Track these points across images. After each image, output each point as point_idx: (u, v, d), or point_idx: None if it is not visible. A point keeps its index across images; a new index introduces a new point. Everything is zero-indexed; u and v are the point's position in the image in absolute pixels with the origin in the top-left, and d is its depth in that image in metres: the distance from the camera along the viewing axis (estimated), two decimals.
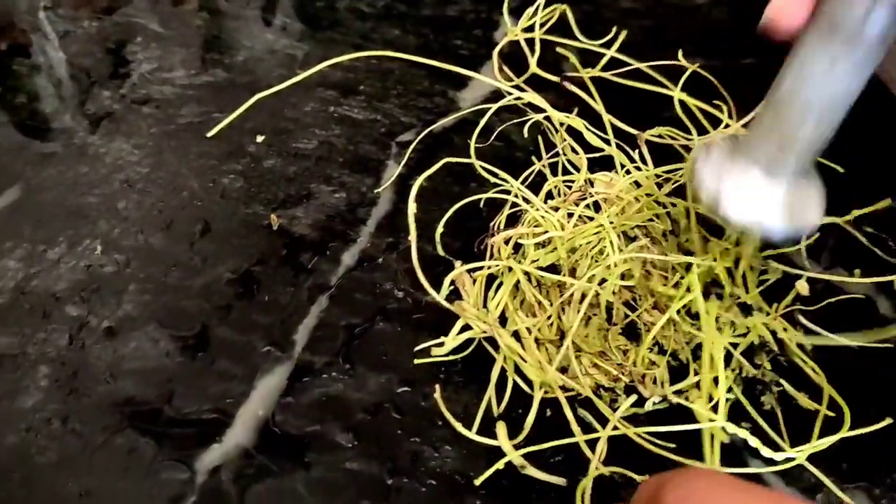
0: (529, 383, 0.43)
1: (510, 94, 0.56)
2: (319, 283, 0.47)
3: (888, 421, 0.41)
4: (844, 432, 0.40)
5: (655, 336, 0.44)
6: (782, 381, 0.43)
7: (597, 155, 0.52)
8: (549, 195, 0.51)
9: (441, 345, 0.44)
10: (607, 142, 0.53)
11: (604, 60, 0.58)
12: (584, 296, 0.45)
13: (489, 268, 0.47)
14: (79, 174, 0.52)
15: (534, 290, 0.45)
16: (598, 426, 0.41)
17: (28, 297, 0.46)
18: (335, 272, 0.48)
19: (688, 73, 0.56)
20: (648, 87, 0.56)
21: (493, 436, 0.41)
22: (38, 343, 0.44)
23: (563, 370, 0.43)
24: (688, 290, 0.44)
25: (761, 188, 0.39)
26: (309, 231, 0.49)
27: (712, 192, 0.39)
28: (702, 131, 0.54)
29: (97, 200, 0.50)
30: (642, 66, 0.57)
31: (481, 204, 0.50)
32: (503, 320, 0.45)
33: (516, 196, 0.50)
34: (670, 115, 0.55)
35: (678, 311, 0.44)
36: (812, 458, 0.40)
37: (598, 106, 0.54)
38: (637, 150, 0.52)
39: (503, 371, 0.43)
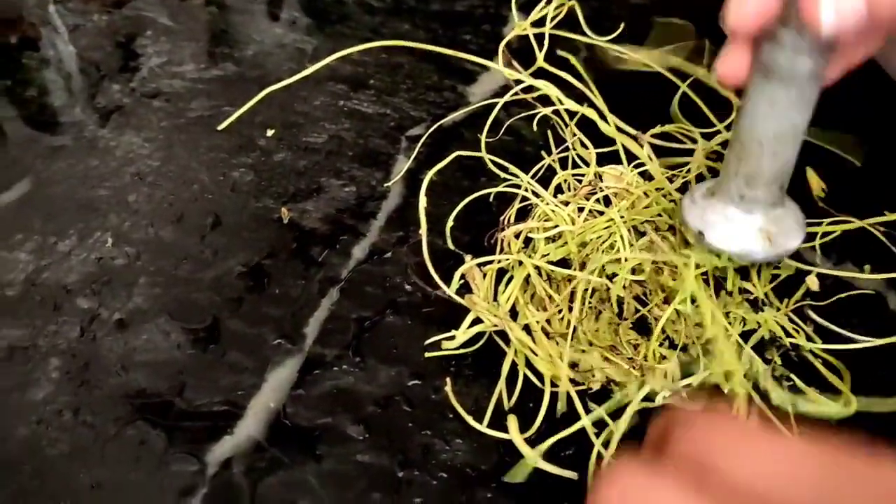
0: (540, 377, 0.43)
1: (521, 81, 0.56)
2: (330, 276, 0.47)
3: None
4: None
5: (666, 331, 0.44)
6: (793, 377, 0.43)
7: (606, 150, 0.52)
8: (559, 189, 0.51)
9: (452, 338, 0.44)
10: (620, 130, 0.53)
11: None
12: (594, 290, 0.45)
13: (499, 262, 0.47)
14: (89, 167, 0.52)
15: (544, 283, 0.45)
16: (608, 420, 0.41)
17: (39, 289, 0.46)
18: (345, 265, 0.48)
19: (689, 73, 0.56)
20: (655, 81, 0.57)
21: (504, 429, 0.41)
22: (49, 335, 0.44)
23: (574, 365, 0.43)
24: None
25: (739, 221, 0.43)
26: (319, 224, 0.50)
27: (697, 230, 0.44)
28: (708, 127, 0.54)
29: (108, 193, 0.51)
30: (647, 59, 0.57)
31: (491, 198, 0.50)
32: (514, 314, 0.45)
33: (526, 190, 0.50)
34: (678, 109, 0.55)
35: (688, 306, 0.44)
36: None
37: (598, 101, 0.54)
38: (645, 146, 0.52)
39: (514, 365, 0.43)
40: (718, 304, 0.45)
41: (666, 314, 0.44)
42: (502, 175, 0.51)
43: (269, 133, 0.54)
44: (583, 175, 0.51)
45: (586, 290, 0.45)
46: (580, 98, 0.55)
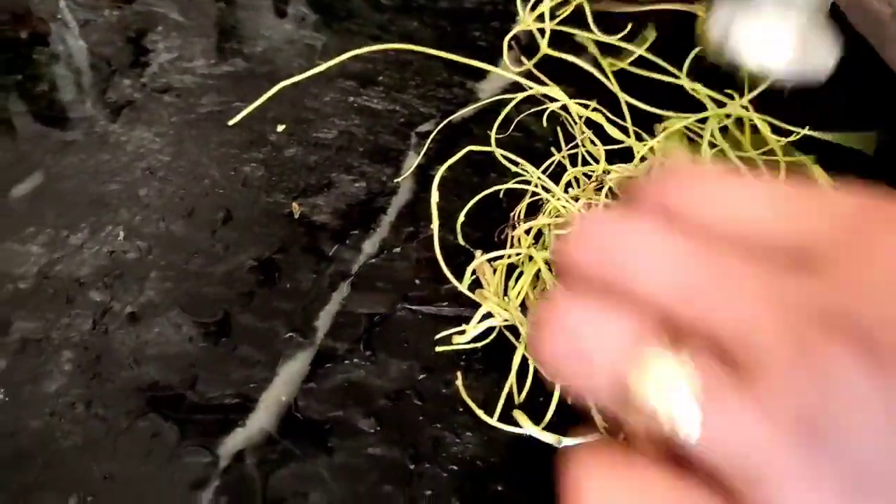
0: None
1: (531, 87, 0.56)
2: (341, 270, 0.47)
3: None
4: None
5: None
6: None
7: (616, 147, 0.53)
8: (569, 185, 0.51)
9: (462, 332, 0.44)
10: (625, 131, 0.53)
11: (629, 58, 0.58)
12: None
13: (509, 257, 0.47)
14: (100, 162, 0.52)
15: (554, 278, 0.45)
16: None
17: (51, 282, 0.46)
18: (356, 260, 0.48)
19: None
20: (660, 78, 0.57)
21: (514, 423, 0.41)
22: (62, 328, 0.44)
23: None
24: None
25: (772, 24, 0.38)
26: (330, 219, 0.50)
27: (720, 35, 0.39)
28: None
29: (119, 188, 0.51)
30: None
31: (501, 194, 0.51)
32: (524, 310, 0.45)
33: (536, 186, 0.50)
34: (685, 104, 0.55)
35: None
36: None
37: (614, 86, 0.55)
38: (654, 139, 0.53)
39: (524, 359, 0.43)
40: None
41: None
42: (513, 170, 0.51)
43: (280, 128, 0.54)
44: (593, 171, 0.51)
45: None
46: (590, 92, 0.55)
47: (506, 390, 0.42)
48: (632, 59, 0.58)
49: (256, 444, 0.41)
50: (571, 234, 0.21)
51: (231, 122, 0.54)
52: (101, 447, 0.40)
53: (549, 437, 0.40)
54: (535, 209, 0.49)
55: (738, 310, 0.18)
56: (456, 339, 0.44)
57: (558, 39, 0.60)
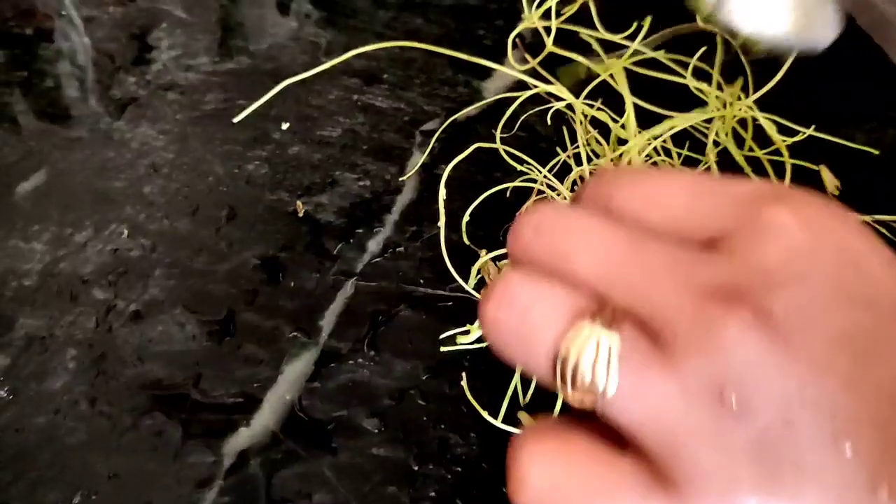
0: None
1: (535, 86, 0.56)
2: (345, 269, 0.47)
3: None
4: None
5: None
6: None
7: (623, 149, 0.52)
8: (575, 184, 0.51)
9: (467, 333, 0.44)
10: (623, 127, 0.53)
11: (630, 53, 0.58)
12: None
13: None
14: (105, 159, 0.52)
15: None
16: None
17: (56, 279, 0.46)
18: (360, 259, 0.48)
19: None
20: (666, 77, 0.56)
21: (519, 424, 0.41)
22: (66, 325, 0.44)
23: None
24: None
25: None
26: (334, 218, 0.50)
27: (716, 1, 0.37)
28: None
29: (123, 185, 0.51)
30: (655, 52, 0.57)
31: (507, 193, 0.51)
32: None
33: (541, 184, 0.50)
34: (690, 103, 0.55)
35: None
36: None
37: (623, 87, 0.55)
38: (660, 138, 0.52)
39: None
40: None
41: None
42: (519, 169, 0.51)
43: (284, 126, 0.54)
44: (597, 168, 0.51)
45: None
46: (594, 91, 0.55)
47: (510, 391, 0.42)
48: (637, 58, 0.58)
49: (260, 443, 0.41)
50: (523, 222, 0.23)
51: (236, 120, 0.54)
52: (106, 445, 0.41)
53: None
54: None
55: (655, 291, 0.20)
56: (460, 338, 0.44)
57: (563, 38, 0.60)
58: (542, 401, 0.42)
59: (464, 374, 0.43)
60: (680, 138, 0.53)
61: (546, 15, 0.61)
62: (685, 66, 0.56)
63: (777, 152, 0.51)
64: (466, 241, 0.48)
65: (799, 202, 0.20)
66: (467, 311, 0.45)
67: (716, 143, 0.52)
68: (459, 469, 0.40)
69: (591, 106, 0.54)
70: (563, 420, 0.24)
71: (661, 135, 0.52)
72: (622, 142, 0.53)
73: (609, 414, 0.20)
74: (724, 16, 0.36)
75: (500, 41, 0.60)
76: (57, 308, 0.45)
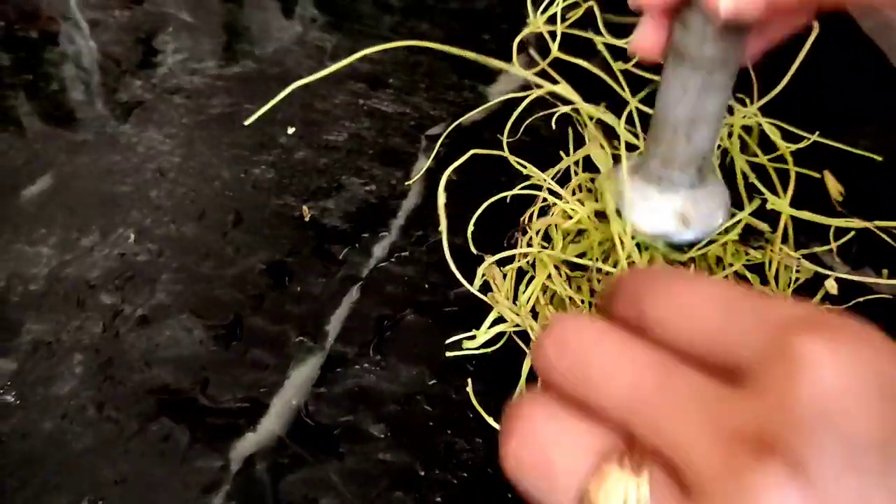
0: None
1: (541, 85, 0.56)
2: (351, 274, 0.47)
3: None
4: None
5: None
6: None
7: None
8: (578, 189, 0.51)
9: (472, 338, 0.44)
10: (636, 135, 0.53)
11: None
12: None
13: (520, 259, 0.47)
14: (111, 163, 0.52)
15: (564, 283, 0.45)
16: None
17: (62, 284, 0.46)
18: (366, 264, 0.48)
19: None
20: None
21: None
22: (73, 330, 0.45)
23: None
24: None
25: (658, 202, 0.42)
26: (340, 223, 0.50)
27: (616, 208, 0.43)
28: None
29: (129, 189, 0.51)
30: None
31: (509, 199, 0.51)
32: (535, 315, 0.45)
33: (542, 190, 0.50)
34: None
35: None
36: None
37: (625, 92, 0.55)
38: None
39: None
40: None
41: None
42: (524, 172, 0.51)
43: (290, 131, 0.54)
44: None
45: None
46: (599, 96, 0.55)
47: (516, 396, 0.42)
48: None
49: (267, 448, 0.41)
50: (547, 339, 0.23)
51: (247, 122, 0.54)
52: (113, 450, 0.41)
53: None
54: (545, 213, 0.49)
55: (682, 433, 0.20)
56: (466, 343, 0.44)
57: (568, 42, 0.60)
58: None
59: (469, 380, 0.43)
60: None
61: (551, 19, 0.61)
62: None
63: (781, 158, 0.51)
64: (473, 250, 0.48)
65: (834, 331, 0.19)
66: (473, 315, 0.45)
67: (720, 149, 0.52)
68: (465, 474, 0.40)
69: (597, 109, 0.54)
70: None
71: None
72: (631, 147, 0.53)
73: None
74: (626, 220, 0.43)
75: (506, 45, 0.60)
76: (64, 313, 0.45)
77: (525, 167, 0.52)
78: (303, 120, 0.55)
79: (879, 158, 0.53)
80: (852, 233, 0.49)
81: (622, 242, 0.44)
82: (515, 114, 0.54)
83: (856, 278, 0.47)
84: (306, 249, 0.48)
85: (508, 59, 0.59)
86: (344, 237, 0.49)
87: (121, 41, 0.60)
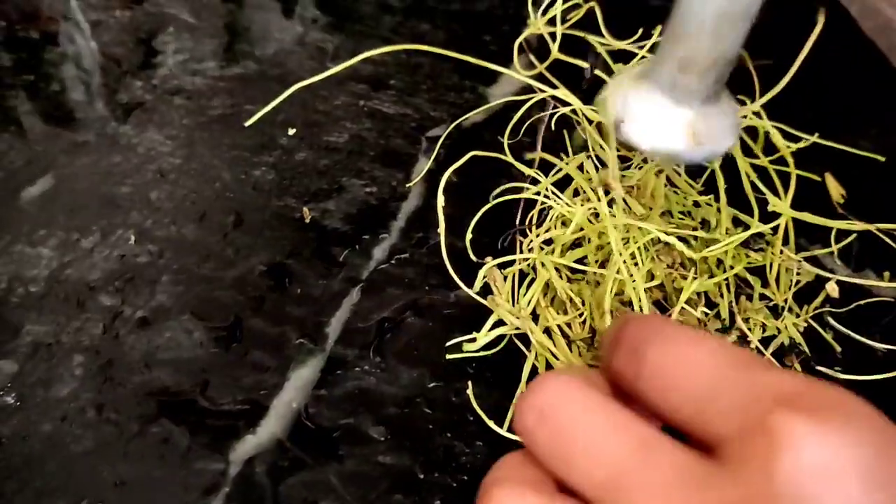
0: None
1: (542, 90, 0.56)
2: (351, 276, 0.47)
3: None
4: None
5: None
6: None
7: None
8: (577, 192, 0.51)
9: (473, 340, 0.44)
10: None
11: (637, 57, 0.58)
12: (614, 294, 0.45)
13: (521, 262, 0.47)
14: (111, 164, 0.52)
15: (566, 286, 0.45)
16: None
17: (62, 285, 0.46)
18: (367, 266, 0.48)
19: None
20: None
21: None
22: (73, 332, 0.45)
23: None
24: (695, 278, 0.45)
25: (666, 112, 0.38)
26: (340, 224, 0.50)
27: (617, 118, 0.38)
28: None
29: (130, 190, 0.51)
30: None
31: (508, 202, 0.51)
32: (535, 318, 0.45)
33: (540, 193, 0.50)
34: None
35: (708, 313, 0.45)
36: None
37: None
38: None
39: (534, 369, 0.43)
40: (739, 309, 0.45)
41: (677, 307, 0.44)
42: (527, 172, 0.51)
43: (291, 132, 0.54)
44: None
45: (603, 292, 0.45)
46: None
47: (516, 400, 0.42)
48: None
49: (267, 450, 0.41)
50: (527, 403, 0.23)
51: (248, 123, 0.54)
52: (113, 452, 0.41)
53: None
54: (543, 215, 0.49)
55: None
56: (466, 346, 0.44)
57: (569, 44, 0.60)
58: None
59: (469, 383, 0.43)
60: None
61: (552, 21, 0.61)
62: None
63: (782, 159, 0.51)
64: (472, 257, 0.48)
65: (819, 410, 0.19)
66: (474, 318, 0.45)
67: None
68: (465, 477, 0.40)
69: (597, 112, 0.54)
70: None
71: None
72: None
73: None
74: (625, 133, 0.37)
75: (506, 47, 0.60)
76: (63, 314, 0.45)
77: (523, 171, 0.52)
78: (304, 121, 0.55)
79: (882, 159, 0.53)
80: (854, 235, 0.49)
81: (617, 242, 0.44)
82: (517, 116, 0.54)
83: (857, 281, 0.47)
84: (307, 251, 0.48)
85: (509, 60, 0.59)
86: (344, 239, 0.49)
87: (121, 42, 0.60)
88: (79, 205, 0.50)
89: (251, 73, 0.58)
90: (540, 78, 0.57)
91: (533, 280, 0.46)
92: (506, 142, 0.53)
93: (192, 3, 0.63)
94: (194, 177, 0.52)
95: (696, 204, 0.49)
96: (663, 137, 0.38)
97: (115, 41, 0.60)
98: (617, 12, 0.60)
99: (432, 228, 0.49)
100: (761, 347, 0.44)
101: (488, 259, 0.47)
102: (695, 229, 0.48)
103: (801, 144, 0.52)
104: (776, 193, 0.49)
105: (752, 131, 0.53)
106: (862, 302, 0.47)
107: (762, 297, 0.46)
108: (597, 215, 0.48)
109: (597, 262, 0.46)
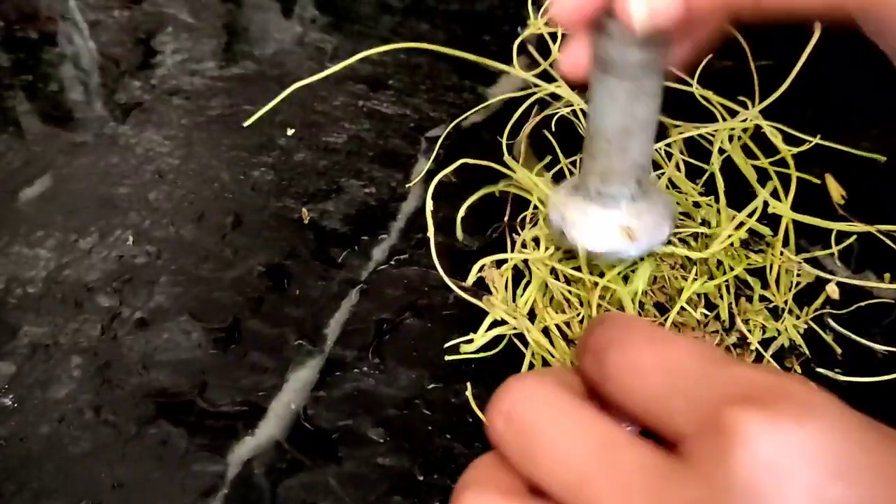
0: None
1: (541, 85, 0.56)
2: (350, 277, 0.47)
3: None
4: None
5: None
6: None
7: None
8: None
9: (470, 341, 0.44)
10: None
11: None
12: (612, 294, 0.45)
13: (516, 260, 0.47)
14: (110, 164, 0.52)
15: (563, 285, 0.45)
16: None
17: (60, 286, 0.46)
18: (365, 267, 0.48)
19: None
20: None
21: None
22: (71, 333, 0.44)
23: None
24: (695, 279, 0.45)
25: (598, 217, 0.42)
26: (339, 225, 0.50)
27: (559, 229, 0.42)
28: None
29: (128, 191, 0.51)
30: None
31: (509, 202, 0.50)
32: (533, 316, 0.45)
33: (536, 196, 0.50)
34: (696, 112, 0.55)
35: (707, 314, 0.45)
36: None
37: None
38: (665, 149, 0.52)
39: (532, 367, 0.43)
40: (738, 310, 0.45)
41: (675, 309, 0.44)
42: (523, 172, 0.51)
43: (290, 132, 0.54)
44: None
45: (602, 294, 0.45)
46: None
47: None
48: None
49: (265, 452, 0.41)
50: (495, 408, 0.24)
51: (247, 124, 0.54)
52: (111, 454, 0.40)
53: None
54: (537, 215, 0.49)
55: None
56: (464, 347, 0.44)
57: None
58: None
59: (468, 384, 0.43)
60: (685, 146, 0.53)
61: (552, 21, 0.60)
62: (691, 73, 0.56)
63: (782, 161, 0.51)
64: (467, 247, 0.48)
65: (776, 406, 0.19)
66: (473, 318, 0.45)
67: (721, 151, 0.52)
68: None
69: None
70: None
71: (668, 142, 0.52)
72: None
73: None
74: (569, 240, 0.42)
75: (506, 46, 0.60)
76: (61, 315, 0.45)
77: (518, 171, 0.51)
78: (302, 121, 0.55)
79: (883, 159, 0.53)
80: (854, 236, 0.49)
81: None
82: (515, 116, 0.54)
83: (857, 282, 0.47)
84: (305, 252, 0.48)
85: (509, 60, 0.59)
86: (343, 240, 0.49)
87: (120, 42, 0.60)
88: (77, 205, 0.50)
89: (250, 74, 0.58)
90: (540, 77, 0.57)
91: (530, 281, 0.46)
92: (504, 142, 0.53)
93: (190, 3, 0.62)
94: (193, 177, 0.52)
95: (696, 205, 0.49)
96: (601, 240, 0.41)
97: (114, 41, 0.60)
98: None
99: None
100: (761, 349, 0.44)
101: (487, 261, 0.47)
102: (695, 230, 0.48)
103: (803, 147, 0.52)
104: (776, 195, 0.49)
105: (752, 133, 0.53)
106: (862, 303, 0.46)
107: (762, 298, 0.46)
108: None
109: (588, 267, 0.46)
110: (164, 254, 0.48)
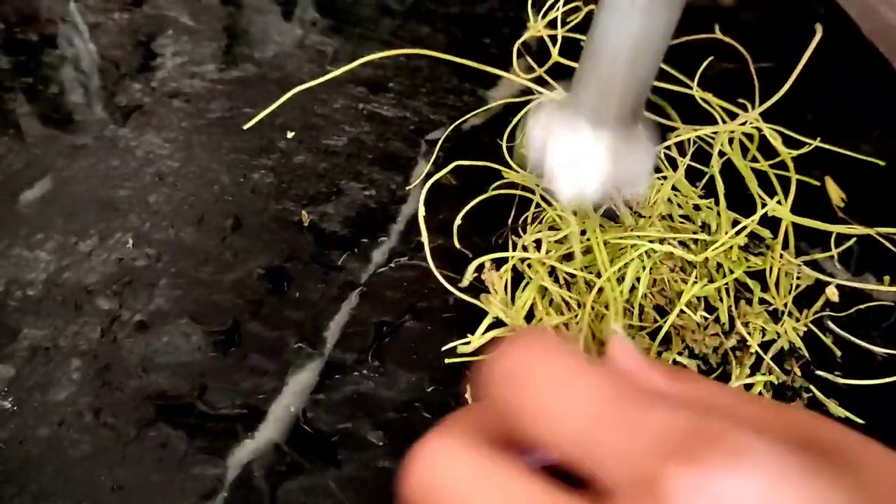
0: None
1: (541, 92, 0.56)
2: (350, 280, 0.47)
3: None
4: None
5: (686, 340, 0.44)
6: (812, 388, 0.43)
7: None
8: None
9: (467, 343, 0.44)
10: None
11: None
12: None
13: (515, 260, 0.47)
14: (110, 167, 0.52)
15: (561, 289, 0.45)
16: None
17: (60, 289, 0.46)
18: (365, 269, 0.48)
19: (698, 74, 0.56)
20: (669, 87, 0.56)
21: None
22: (71, 336, 0.44)
23: None
24: (695, 282, 0.44)
25: (587, 139, 0.37)
26: (339, 228, 0.50)
27: (537, 157, 0.38)
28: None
29: (128, 193, 0.51)
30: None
31: (514, 206, 0.50)
32: (531, 318, 0.45)
33: (534, 195, 0.50)
34: (696, 114, 0.55)
35: (707, 317, 0.45)
36: None
37: None
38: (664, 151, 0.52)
39: None
40: (738, 313, 0.45)
41: (675, 310, 0.44)
42: (522, 175, 0.51)
43: (290, 135, 0.54)
44: None
45: (598, 295, 0.45)
46: None
47: None
48: None
49: (265, 454, 0.41)
50: (419, 459, 0.24)
51: (247, 126, 0.54)
52: (111, 456, 0.40)
53: None
54: (538, 218, 0.49)
55: None
56: (461, 348, 0.44)
57: (569, 47, 0.59)
58: None
59: (468, 387, 0.43)
60: (684, 148, 0.53)
61: (552, 24, 0.60)
62: (691, 75, 0.56)
63: (782, 164, 0.51)
64: (461, 249, 0.48)
65: (709, 462, 0.19)
66: (473, 321, 0.45)
67: (721, 154, 0.52)
68: None
69: None
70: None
71: (667, 145, 0.52)
72: None
73: None
74: (547, 175, 0.38)
75: (506, 50, 0.60)
76: (61, 318, 0.45)
77: (518, 171, 0.51)
78: (302, 124, 0.55)
79: (882, 163, 0.53)
80: (853, 239, 0.49)
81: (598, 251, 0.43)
82: (516, 119, 0.54)
83: (857, 285, 0.47)
84: (305, 255, 0.48)
85: (509, 63, 0.59)
86: (343, 242, 0.49)
87: (120, 44, 0.60)
88: (77, 208, 0.50)
89: (250, 76, 0.58)
90: (540, 81, 0.57)
91: (529, 283, 0.46)
92: (504, 145, 0.53)
93: (191, 6, 0.62)
94: (193, 180, 0.52)
95: (697, 207, 0.49)
96: (583, 179, 0.37)
97: (114, 44, 0.60)
98: None
99: (432, 232, 0.49)
100: (761, 352, 0.44)
101: (487, 263, 0.47)
102: (695, 233, 0.48)
103: (803, 150, 0.52)
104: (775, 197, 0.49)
105: (751, 136, 0.53)
106: (862, 306, 0.46)
107: (762, 301, 0.46)
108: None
109: (584, 269, 0.46)
110: (164, 256, 0.48)
